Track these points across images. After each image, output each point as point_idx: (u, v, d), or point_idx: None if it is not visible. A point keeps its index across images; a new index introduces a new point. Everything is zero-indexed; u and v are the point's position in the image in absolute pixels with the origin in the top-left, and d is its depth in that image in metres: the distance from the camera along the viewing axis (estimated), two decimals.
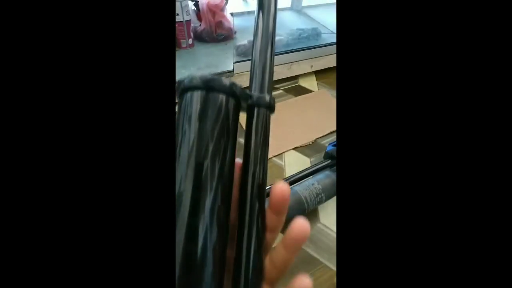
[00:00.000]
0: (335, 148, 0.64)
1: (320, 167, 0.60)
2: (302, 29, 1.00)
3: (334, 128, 0.80)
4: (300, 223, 0.16)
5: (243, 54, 0.91)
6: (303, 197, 0.51)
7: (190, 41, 0.97)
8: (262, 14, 0.18)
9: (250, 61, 0.18)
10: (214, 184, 0.14)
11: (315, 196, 0.52)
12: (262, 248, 0.16)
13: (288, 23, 1.14)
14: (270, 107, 0.17)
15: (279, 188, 0.16)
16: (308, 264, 0.51)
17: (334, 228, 0.56)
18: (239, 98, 0.16)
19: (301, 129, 0.78)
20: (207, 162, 0.14)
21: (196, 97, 0.15)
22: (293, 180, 0.56)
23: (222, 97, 0.15)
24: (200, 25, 1.00)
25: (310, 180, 0.54)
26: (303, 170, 0.59)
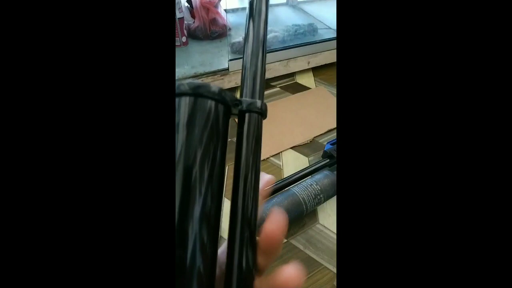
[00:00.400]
0: (334, 147, 0.63)
1: (319, 166, 0.58)
2: (298, 25, 0.98)
3: (333, 125, 0.78)
4: (276, 216, 0.16)
5: (238, 51, 0.89)
6: (301, 199, 0.50)
7: (184, 39, 0.95)
8: (253, 19, 0.18)
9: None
10: (203, 189, 0.15)
11: (314, 197, 0.51)
12: (255, 250, 0.16)
13: (283, 19, 1.12)
14: (262, 113, 0.17)
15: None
16: (308, 266, 0.50)
17: (334, 229, 0.55)
18: (229, 103, 0.16)
19: (299, 127, 0.77)
20: (195, 168, 0.15)
21: (184, 103, 0.15)
22: (291, 181, 0.55)
23: (211, 103, 0.15)
24: (193, 22, 0.98)
25: (308, 181, 0.53)
26: (301, 170, 0.57)
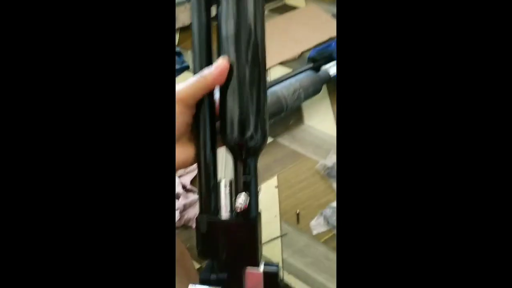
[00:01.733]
0: (318, 50, 0.63)
1: (302, 70, 0.59)
2: None
3: (322, 39, 0.76)
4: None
5: None
6: (280, 94, 0.52)
7: None
8: None
9: None
10: None
11: (292, 92, 0.53)
12: None
13: None
14: None
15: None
16: (292, 157, 0.54)
17: (318, 127, 0.58)
18: None
19: (287, 44, 0.76)
20: None
21: None
22: (275, 84, 0.56)
23: None
24: None
25: (289, 80, 0.55)
26: (285, 75, 0.59)
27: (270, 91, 0.52)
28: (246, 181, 0.26)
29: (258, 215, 0.27)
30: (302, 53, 0.74)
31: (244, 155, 0.26)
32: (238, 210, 0.25)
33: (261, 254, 0.27)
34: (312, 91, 0.55)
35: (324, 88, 0.64)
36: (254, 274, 0.26)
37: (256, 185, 0.27)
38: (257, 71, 0.25)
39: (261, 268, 0.26)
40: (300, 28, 0.80)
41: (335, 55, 0.62)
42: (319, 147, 0.55)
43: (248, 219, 0.26)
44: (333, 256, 0.43)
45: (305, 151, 0.54)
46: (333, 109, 0.61)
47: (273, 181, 0.51)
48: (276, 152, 0.55)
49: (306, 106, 0.61)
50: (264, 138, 0.26)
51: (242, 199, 0.25)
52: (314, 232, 0.45)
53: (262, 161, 0.53)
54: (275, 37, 0.78)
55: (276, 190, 0.50)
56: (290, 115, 0.59)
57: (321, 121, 0.59)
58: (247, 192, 0.26)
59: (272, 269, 0.26)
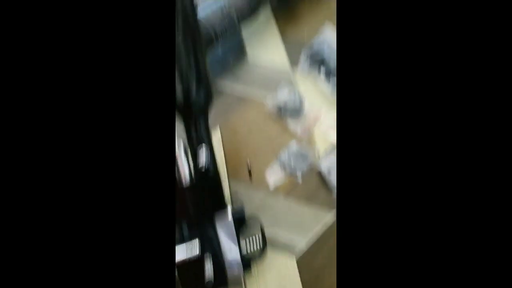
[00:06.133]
0: None
1: None
2: None
3: None
4: None
5: None
6: (206, 23, 0.39)
7: None
8: None
9: None
10: None
11: (221, 17, 0.40)
12: None
13: None
14: None
15: None
16: (237, 103, 0.44)
17: (264, 60, 0.47)
18: None
19: None
20: None
21: None
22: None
23: None
24: None
25: (216, 3, 0.42)
26: None
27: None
28: (199, 138, 0.29)
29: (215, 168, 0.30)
30: None
31: (193, 116, 0.29)
32: (203, 170, 0.28)
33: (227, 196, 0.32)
34: (247, 11, 0.43)
35: (268, 10, 0.51)
36: None
37: (211, 142, 0.29)
38: (190, 41, 0.28)
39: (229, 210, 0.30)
40: None
41: None
42: (267, 83, 0.45)
43: (209, 177, 0.29)
44: (296, 207, 0.37)
45: (251, 92, 0.44)
46: (281, 33, 0.49)
47: (216, 134, 0.42)
48: (217, 101, 0.44)
49: (247, 34, 0.49)
50: (208, 97, 0.30)
51: (204, 156, 0.27)
52: (271, 184, 0.38)
53: None
54: None
55: (220, 143, 0.41)
56: (227, 49, 0.47)
57: (268, 50, 0.48)
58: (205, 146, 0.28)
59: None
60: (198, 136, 0.29)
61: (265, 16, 0.50)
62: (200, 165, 0.28)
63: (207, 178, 0.29)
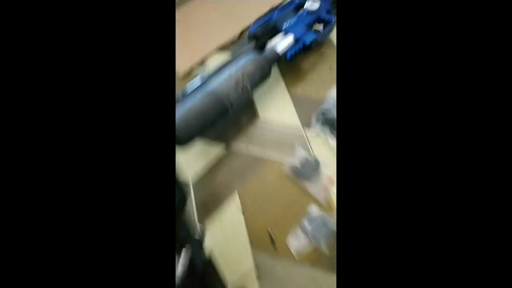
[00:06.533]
0: (259, 24, 0.52)
1: (242, 52, 0.48)
2: None
3: (262, 11, 0.65)
4: None
5: None
6: (219, 92, 0.41)
7: None
8: None
9: None
10: None
11: (235, 87, 0.42)
12: None
13: None
14: None
15: None
16: (253, 165, 0.44)
17: (277, 119, 0.48)
18: None
19: (223, 24, 0.64)
20: None
21: None
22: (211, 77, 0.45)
23: None
24: None
25: (227, 71, 0.44)
26: (223, 63, 0.47)
27: (207, 91, 0.41)
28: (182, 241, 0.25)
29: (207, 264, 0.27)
30: (242, 32, 0.62)
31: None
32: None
33: None
34: (259, 77, 0.45)
35: (275, 70, 0.54)
36: None
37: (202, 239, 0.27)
38: None
39: None
40: (235, 3, 0.68)
41: (280, 25, 0.51)
42: (281, 144, 0.46)
43: (196, 276, 0.25)
44: (321, 276, 0.35)
45: (266, 153, 0.45)
46: (290, 93, 0.51)
47: (235, 200, 0.41)
48: (233, 164, 0.45)
49: (258, 96, 0.51)
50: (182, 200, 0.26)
51: (182, 260, 0.23)
52: (294, 252, 0.37)
53: (220, 178, 0.43)
54: (208, 17, 0.65)
55: (240, 211, 0.40)
56: (240, 112, 0.48)
57: (279, 111, 0.49)
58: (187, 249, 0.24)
59: None
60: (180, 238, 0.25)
61: (274, 77, 0.53)
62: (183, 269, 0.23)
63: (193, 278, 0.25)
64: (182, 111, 0.39)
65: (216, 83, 0.42)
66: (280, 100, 0.51)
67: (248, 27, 0.63)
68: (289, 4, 0.58)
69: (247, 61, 0.44)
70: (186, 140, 0.38)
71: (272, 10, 0.66)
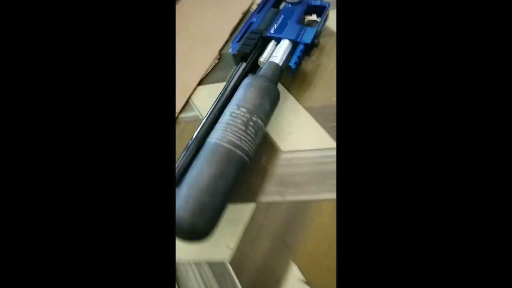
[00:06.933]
0: (240, 39, 0.41)
1: (235, 81, 0.38)
2: None
3: (235, 21, 0.55)
4: None
5: None
6: (230, 145, 0.30)
7: None
8: None
9: None
10: None
11: (245, 129, 0.31)
12: None
13: None
14: None
15: None
16: (296, 212, 0.34)
17: (301, 146, 0.38)
18: None
19: (197, 49, 0.54)
20: None
21: None
22: (208, 127, 0.35)
23: None
24: None
25: (227, 112, 0.33)
26: (216, 103, 0.37)
27: (210, 149, 0.30)
28: None
29: None
30: (221, 52, 0.52)
31: None
32: None
33: None
34: (270, 105, 0.34)
35: (280, 87, 0.43)
36: None
37: None
38: None
39: None
40: (205, 17, 0.58)
41: (266, 31, 0.41)
42: (319, 173, 0.35)
43: None
44: None
45: (306, 192, 0.34)
46: (304, 107, 0.41)
47: (291, 269, 0.31)
48: (271, 222, 0.34)
49: (269, 125, 0.40)
50: None
51: None
52: None
53: (262, 246, 0.33)
54: (176, 49, 0.55)
55: (302, 282, 0.30)
56: (257, 154, 0.38)
57: (301, 133, 0.39)
58: None
59: None
60: None
61: (283, 94, 0.42)
62: None
63: None
64: (188, 192, 0.28)
65: (219, 133, 0.31)
66: (296, 120, 0.40)
67: (226, 45, 0.53)
68: (263, 2, 0.48)
69: (246, 90, 0.34)
70: (207, 229, 0.27)
71: (245, 15, 0.56)
